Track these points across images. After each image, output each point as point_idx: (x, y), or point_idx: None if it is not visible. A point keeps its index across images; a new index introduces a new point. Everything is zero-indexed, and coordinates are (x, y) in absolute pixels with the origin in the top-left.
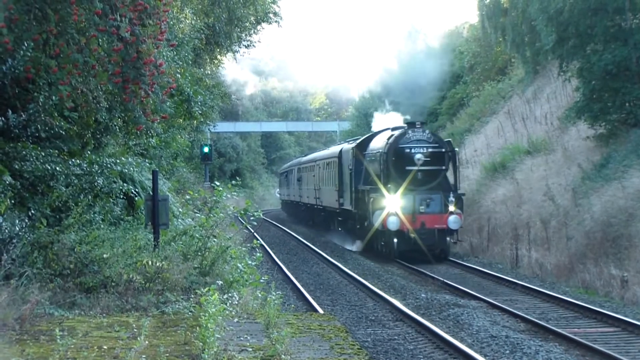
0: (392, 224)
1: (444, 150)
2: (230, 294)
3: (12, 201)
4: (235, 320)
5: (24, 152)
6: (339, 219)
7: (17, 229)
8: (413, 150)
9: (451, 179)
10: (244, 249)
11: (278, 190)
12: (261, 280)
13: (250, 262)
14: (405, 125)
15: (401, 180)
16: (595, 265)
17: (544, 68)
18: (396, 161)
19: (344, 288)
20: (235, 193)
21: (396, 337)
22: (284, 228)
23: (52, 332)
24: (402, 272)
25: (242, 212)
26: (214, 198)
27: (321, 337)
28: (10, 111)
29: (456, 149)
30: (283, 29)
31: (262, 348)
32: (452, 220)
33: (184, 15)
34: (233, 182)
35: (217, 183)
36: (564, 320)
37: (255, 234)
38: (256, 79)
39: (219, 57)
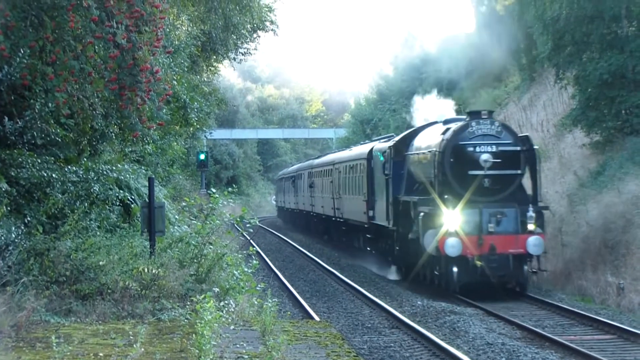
0: (452, 248)
1: (519, 148)
2: (226, 301)
3: (8, 208)
4: (232, 327)
5: (20, 159)
6: (368, 236)
7: (13, 236)
8: (478, 149)
9: (528, 187)
10: (240, 256)
11: (274, 197)
12: (257, 288)
13: (246, 269)
14: (465, 115)
15: (462, 189)
16: (592, 272)
17: (540, 75)
18: (456, 164)
19: (340, 295)
20: (231, 200)
21: (392, 345)
22: (280, 235)
23: (48, 339)
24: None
25: (238, 219)
26: (210, 205)
27: (317, 345)
28: (6, 118)
29: (536, 146)
30: (279, 36)
31: (258, 355)
32: (533, 243)
33: (180, 22)
34: (229, 189)
35: (214, 190)
36: (560, 327)
37: (251, 241)
38: (252, 86)
39: (215, 64)
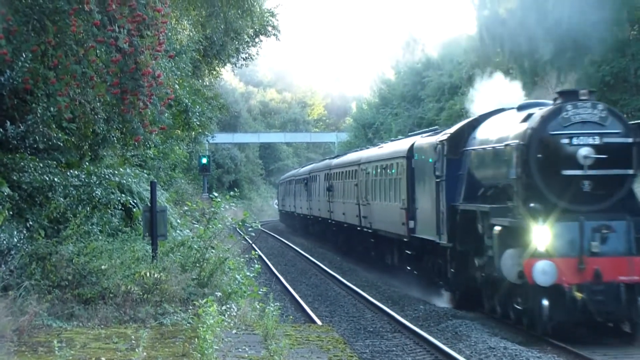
0: (543, 275)
1: (631, 140)
2: (228, 305)
3: (10, 212)
4: (234, 331)
5: (22, 163)
6: (408, 252)
7: (15, 240)
8: (576, 141)
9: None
10: (242, 260)
11: (277, 201)
12: (259, 292)
13: (248, 273)
14: (556, 98)
15: (554, 195)
16: None
17: (542, 79)
18: (545, 161)
19: (342, 299)
20: (233, 204)
21: (394, 349)
22: (282, 239)
23: (51, 344)
24: (400, 283)
25: (239, 223)
26: (212, 209)
27: (320, 349)
28: (8, 122)
29: None
30: (281, 41)
31: (260, 359)
32: None
33: (182, 26)
34: (231, 193)
35: (216, 194)
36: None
37: (253, 245)
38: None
39: (217, 68)
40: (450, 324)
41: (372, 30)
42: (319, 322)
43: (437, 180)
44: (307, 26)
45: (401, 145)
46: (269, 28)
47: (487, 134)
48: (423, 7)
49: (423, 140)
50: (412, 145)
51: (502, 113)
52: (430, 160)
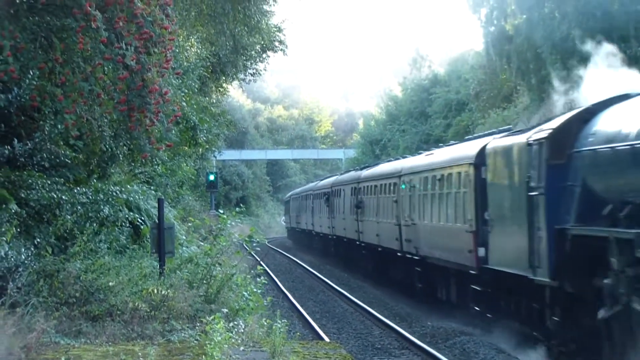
0: None
1: None
2: (236, 322)
3: (18, 229)
4: (241, 348)
5: (29, 181)
6: (475, 288)
7: (23, 257)
8: None
9: None
10: (249, 276)
11: (284, 218)
12: (266, 308)
13: (255, 289)
14: None
15: None
16: None
17: (549, 95)
18: None
19: (350, 316)
20: (240, 221)
21: None
22: (289, 255)
23: None
24: (408, 300)
25: (247, 239)
26: (219, 226)
27: None
28: (16, 140)
29: None
30: (288, 57)
31: None
32: None
33: (189, 43)
34: (237, 209)
35: (222, 211)
36: None
37: (261, 261)
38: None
39: (224, 85)
40: (458, 340)
41: (379, 47)
42: (326, 338)
43: (532, 193)
44: (314, 43)
45: (464, 149)
46: (276, 43)
47: (616, 127)
48: (430, 24)
49: (501, 141)
50: (483, 148)
51: (628, 100)
52: (515, 166)
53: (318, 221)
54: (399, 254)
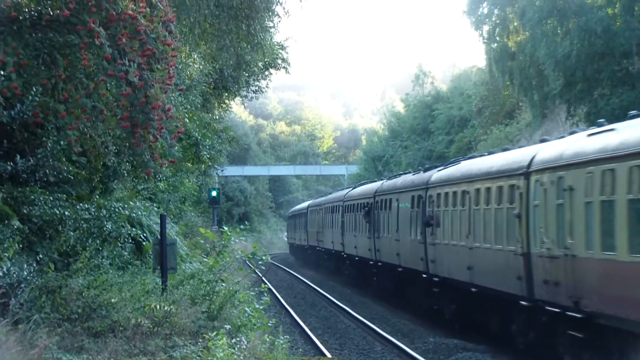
0: None
1: None
2: (238, 338)
3: (21, 245)
4: None
5: (32, 197)
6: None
7: (25, 273)
8: None
9: None
10: (252, 293)
11: (286, 234)
12: (269, 325)
13: (258, 306)
14: None
15: None
16: None
17: (551, 112)
18: None
19: (352, 332)
20: (243, 237)
21: None
22: (292, 272)
23: None
24: (410, 315)
25: (249, 256)
26: (222, 242)
27: None
28: (18, 156)
29: None
30: (291, 73)
31: None
32: None
33: (192, 60)
34: (241, 226)
35: (225, 227)
36: None
37: (263, 278)
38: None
39: (227, 101)
40: (460, 356)
41: (381, 63)
42: (328, 354)
43: None
44: (317, 59)
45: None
46: (279, 61)
47: None
48: (432, 41)
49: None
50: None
51: None
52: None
53: (352, 241)
54: (522, 302)
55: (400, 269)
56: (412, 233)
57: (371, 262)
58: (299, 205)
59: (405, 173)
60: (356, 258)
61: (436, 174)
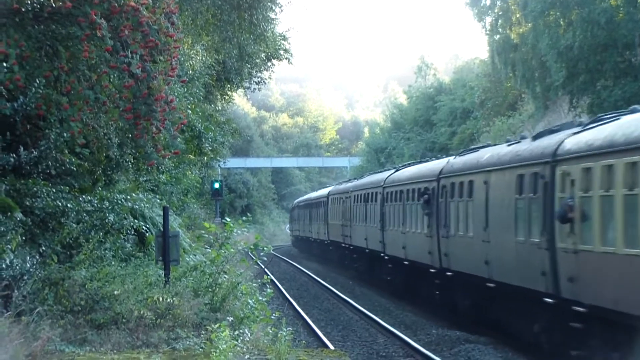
0: None
1: None
2: (241, 330)
3: (23, 238)
4: (246, 356)
5: (34, 189)
6: None
7: (28, 265)
8: None
9: None
10: (254, 284)
11: (289, 225)
12: (272, 317)
13: (261, 298)
14: None
15: None
16: None
17: (554, 103)
18: None
19: (354, 324)
20: (245, 229)
21: None
22: (295, 264)
23: None
24: (412, 307)
25: (251, 247)
26: (225, 234)
27: None
28: (21, 148)
29: None
30: (293, 64)
31: None
32: None
33: (194, 51)
34: (244, 218)
35: (228, 219)
36: None
37: (265, 269)
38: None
39: (229, 93)
40: (463, 348)
41: (384, 55)
42: (331, 346)
43: None
44: (319, 51)
45: None
46: (281, 52)
47: None
48: (434, 32)
49: None
50: None
51: None
52: None
53: (397, 239)
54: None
55: (491, 285)
56: (523, 232)
57: (430, 269)
58: (314, 193)
59: (483, 147)
60: (405, 262)
61: (576, 138)
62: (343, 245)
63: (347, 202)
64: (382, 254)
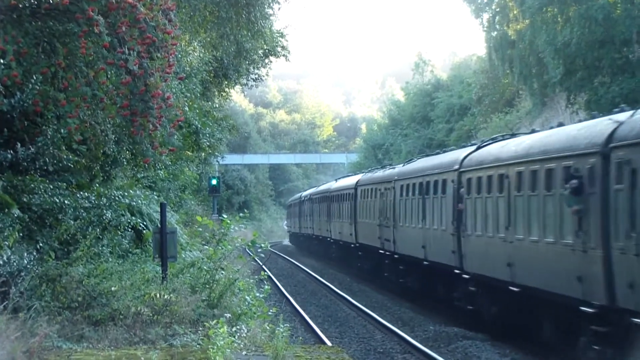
0: None
1: None
2: (238, 327)
3: (21, 234)
4: (244, 353)
5: (32, 185)
6: None
7: (26, 262)
8: None
9: None
10: (251, 281)
11: (286, 222)
12: (269, 313)
13: (258, 294)
14: None
15: None
16: None
17: (551, 100)
18: None
19: (352, 320)
20: (243, 225)
21: None
22: (292, 260)
23: None
24: (410, 304)
25: (249, 244)
26: (222, 230)
27: None
28: (18, 144)
29: None
30: (291, 61)
31: None
32: None
33: (192, 48)
34: (241, 214)
35: (225, 215)
36: None
37: (263, 266)
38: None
39: (227, 89)
40: (460, 344)
41: (381, 51)
42: (328, 342)
43: None
44: (317, 48)
45: None
46: (279, 49)
47: None
48: (432, 28)
49: None
50: None
51: None
52: None
53: (498, 251)
54: None
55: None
56: None
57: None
58: (335, 184)
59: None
60: (513, 288)
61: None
62: (382, 252)
63: (389, 194)
64: (457, 271)
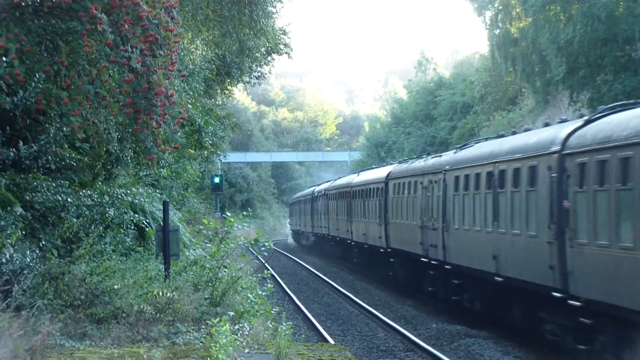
0: None
1: None
2: (241, 325)
3: (23, 232)
4: (246, 351)
5: (34, 183)
6: None
7: (28, 260)
8: None
9: None
10: (254, 279)
11: (289, 220)
12: (272, 311)
13: (261, 292)
14: None
15: None
16: None
17: (554, 98)
18: None
19: (354, 318)
20: (246, 224)
21: None
22: (294, 258)
23: None
24: (413, 302)
25: (252, 242)
26: (225, 229)
27: None
28: (21, 142)
29: None
30: (293, 59)
31: None
32: None
33: (194, 46)
34: (244, 213)
35: (228, 214)
36: None
37: (266, 264)
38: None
39: (229, 87)
40: (463, 342)
41: (384, 49)
42: (331, 340)
43: None
44: (319, 46)
45: None
46: (281, 46)
47: None
48: (435, 27)
49: None
50: None
51: None
52: None
53: (613, 268)
54: None
55: None
56: None
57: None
58: (357, 178)
59: None
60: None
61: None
62: (425, 260)
63: (435, 188)
64: (557, 294)
